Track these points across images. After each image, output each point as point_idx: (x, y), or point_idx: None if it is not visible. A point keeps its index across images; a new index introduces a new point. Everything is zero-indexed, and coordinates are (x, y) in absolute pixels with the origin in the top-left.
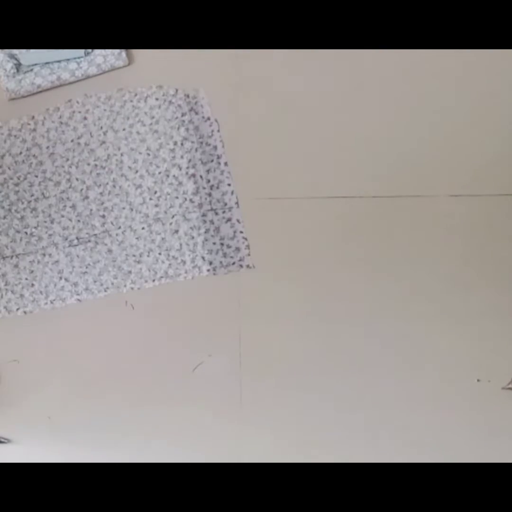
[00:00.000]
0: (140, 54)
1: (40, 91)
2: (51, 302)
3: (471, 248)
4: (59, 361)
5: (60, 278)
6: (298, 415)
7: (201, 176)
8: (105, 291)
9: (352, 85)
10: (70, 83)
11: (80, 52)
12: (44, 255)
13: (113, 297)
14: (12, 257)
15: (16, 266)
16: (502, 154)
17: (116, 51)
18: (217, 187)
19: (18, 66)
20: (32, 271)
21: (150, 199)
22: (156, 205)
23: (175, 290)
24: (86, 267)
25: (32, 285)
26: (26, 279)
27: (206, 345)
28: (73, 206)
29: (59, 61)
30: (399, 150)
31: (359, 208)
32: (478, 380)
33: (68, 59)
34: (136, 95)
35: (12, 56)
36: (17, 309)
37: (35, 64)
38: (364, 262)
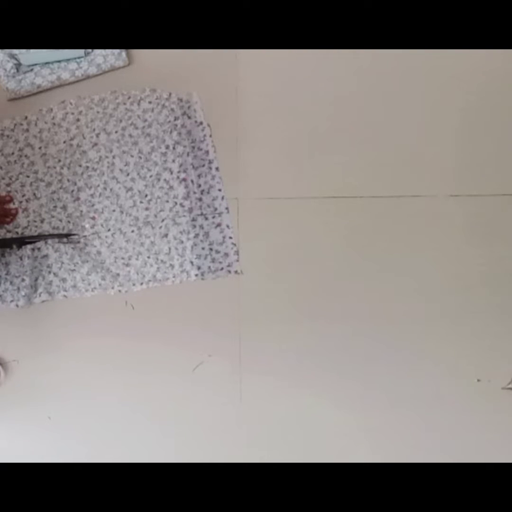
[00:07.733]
0: (140, 54)
1: (40, 91)
2: (40, 295)
3: (471, 248)
4: (59, 361)
5: (49, 272)
6: (298, 415)
7: (192, 181)
8: (92, 291)
9: (351, 86)
10: (70, 83)
11: (80, 52)
12: (33, 249)
13: (113, 297)
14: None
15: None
16: (502, 154)
17: (116, 51)
18: (208, 192)
19: (18, 66)
20: (22, 265)
21: (141, 202)
22: (146, 209)
23: (175, 290)
24: (75, 265)
25: (23, 280)
26: (17, 271)
27: (206, 345)
28: (64, 207)
29: (59, 61)
30: (399, 150)
31: (359, 208)
32: (478, 380)
33: (68, 59)
34: (129, 97)
35: (12, 56)
36: (11, 301)
37: (35, 64)
38: (364, 262)
